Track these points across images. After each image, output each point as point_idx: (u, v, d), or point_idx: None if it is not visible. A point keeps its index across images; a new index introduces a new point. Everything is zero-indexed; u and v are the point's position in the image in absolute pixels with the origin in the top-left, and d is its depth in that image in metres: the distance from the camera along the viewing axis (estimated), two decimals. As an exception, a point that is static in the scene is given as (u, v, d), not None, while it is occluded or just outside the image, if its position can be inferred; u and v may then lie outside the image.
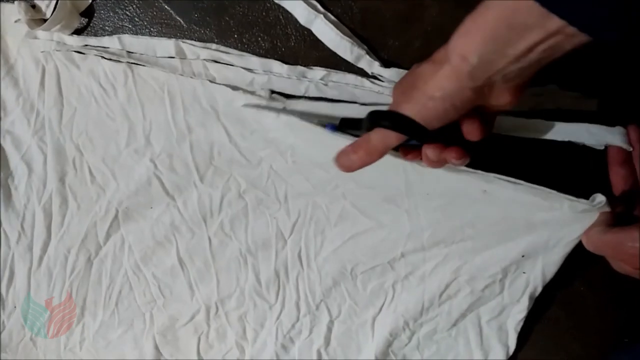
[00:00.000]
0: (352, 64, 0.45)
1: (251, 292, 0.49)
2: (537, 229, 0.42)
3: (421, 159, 0.37)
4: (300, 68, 0.45)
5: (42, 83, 0.48)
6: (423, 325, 0.47)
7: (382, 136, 0.34)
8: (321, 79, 0.45)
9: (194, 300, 0.50)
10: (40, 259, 0.51)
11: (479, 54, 0.28)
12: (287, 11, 0.45)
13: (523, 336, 0.47)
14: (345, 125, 0.40)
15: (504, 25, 0.26)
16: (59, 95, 0.48)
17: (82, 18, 0.48)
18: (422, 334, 0.48)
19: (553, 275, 0.44)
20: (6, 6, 0.46)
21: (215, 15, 0.46)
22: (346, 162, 0.36)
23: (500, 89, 0.31)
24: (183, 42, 0.46)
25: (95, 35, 0.48)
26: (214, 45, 0.46)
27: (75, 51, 0.47)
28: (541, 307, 0.47)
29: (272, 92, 0.45)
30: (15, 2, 0.45)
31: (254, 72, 0.45)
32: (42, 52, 0.47)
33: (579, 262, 0.43)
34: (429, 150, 0.35)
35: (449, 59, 0.29)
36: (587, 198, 0.38)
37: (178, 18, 0.47)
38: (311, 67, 0.45)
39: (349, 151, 0.36)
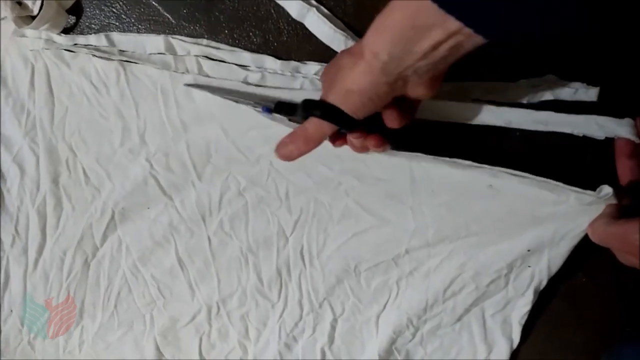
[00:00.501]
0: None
1: (253, 291, 0.49)
2: (543, 223, 0.42)
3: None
4: (294, 63, 0.45)
5: (31, 82, 0.47)
6: (427, 321, 0.47)
7: (317, 125, 0.36)
8: (315, 74, 0.44)
9: (195, 300, 0.50)
10: (36, 261, 0.50)
11: (388, 51, 0.29)
12: (278, 5, 0.44)
13: (525, 328, 0.47)
14: (280, 109, 0.41)
15: (409, 26, 0.28)
16: (50, 94, 0.47)
17: (70, 16, 0.47)
18: (425, 330, 0.48)
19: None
20: (-9, 4, 0.45)
21: (205, 11, 0.45)
22: (285, 152, 0.38)
23: (415, 83, 0.32)
24: (172, 37, 0.45)
25: (82, 33, 0.47)
26: (204, 41, 0.46)
27: (65, 49, 0.45)
28: (544, 299, 0.47)
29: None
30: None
31: (248, 70, 0.45)
32: (31, 50, 0.46)
33: (582, 254, 0.43)
34: (353, 138, 0.38)
35: (364, 55, 0.31)
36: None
37: (166, 14, 0.46)
38: (305, 61, 0.45)
39: (287, 142, 0.38)
